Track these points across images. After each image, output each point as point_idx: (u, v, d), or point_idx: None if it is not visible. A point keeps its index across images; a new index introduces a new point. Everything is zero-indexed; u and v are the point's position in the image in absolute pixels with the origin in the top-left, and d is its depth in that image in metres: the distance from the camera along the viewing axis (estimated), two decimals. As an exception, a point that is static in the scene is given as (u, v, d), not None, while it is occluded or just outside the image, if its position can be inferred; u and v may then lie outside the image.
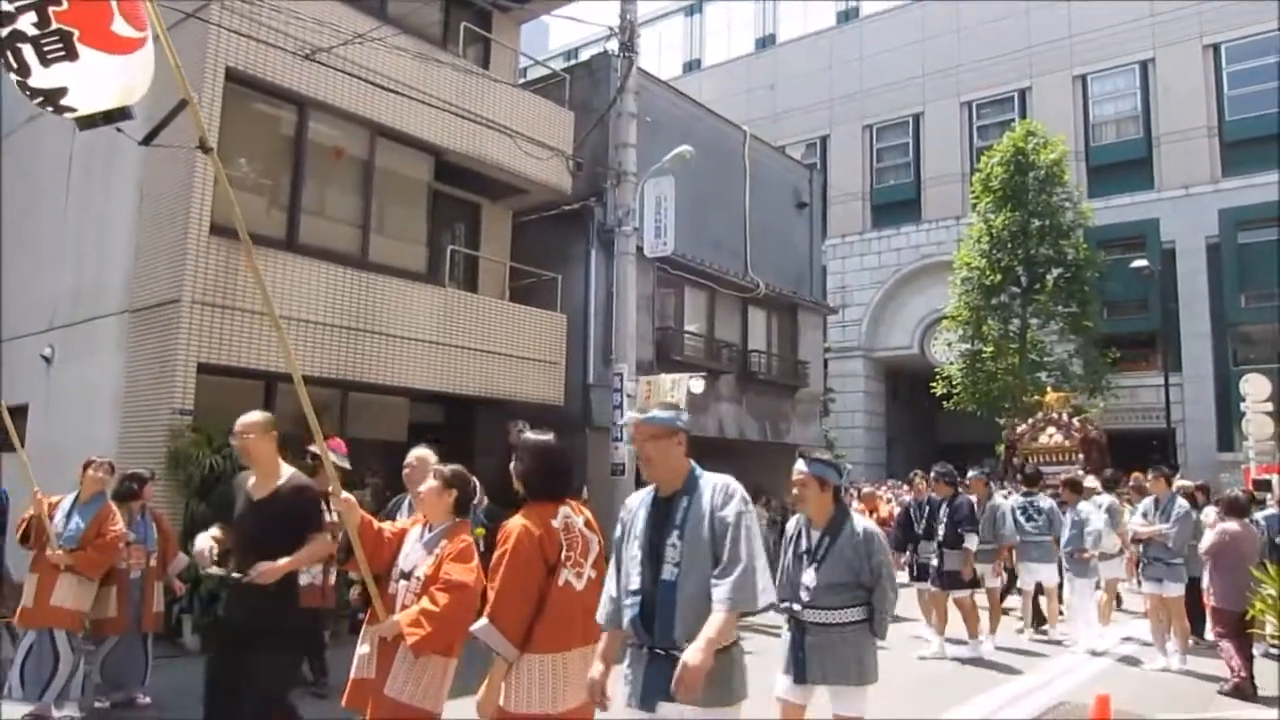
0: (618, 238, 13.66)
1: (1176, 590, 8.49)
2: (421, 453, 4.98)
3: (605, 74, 14.66)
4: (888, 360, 29.87)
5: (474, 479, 4.11)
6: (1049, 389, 18.96)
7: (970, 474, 10.10)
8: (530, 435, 3.78)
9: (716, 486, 3.16)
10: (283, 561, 4.06)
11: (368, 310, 10.86)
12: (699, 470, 3.25)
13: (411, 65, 11.42)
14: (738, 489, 3.15)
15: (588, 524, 3.63)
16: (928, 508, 9.53)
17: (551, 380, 13.21)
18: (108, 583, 6.33)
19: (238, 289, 9.47)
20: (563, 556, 3.44)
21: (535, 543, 3.41)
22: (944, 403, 23.41)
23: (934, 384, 23.58)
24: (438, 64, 11.85)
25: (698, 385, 11.30)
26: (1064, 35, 27.07)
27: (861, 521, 4.22)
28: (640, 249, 13.88)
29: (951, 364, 23.23)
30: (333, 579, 7.15)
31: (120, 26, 3.25)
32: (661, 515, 3.19)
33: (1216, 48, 25.13)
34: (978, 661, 8.70)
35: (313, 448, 7.33)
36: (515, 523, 3.49)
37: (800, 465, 4.27)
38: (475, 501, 4.37)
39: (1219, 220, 23.95)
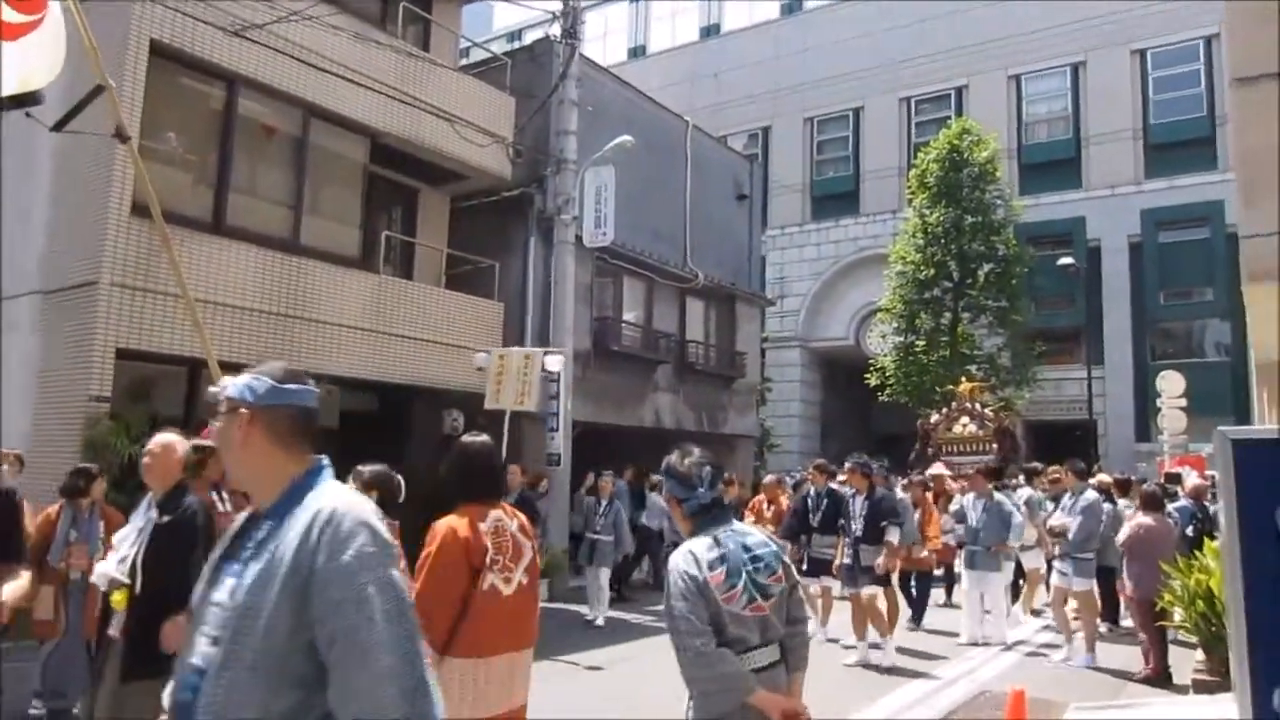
0: (557, 226, 13.60)
1: (1082, 585, 8.67)
2: (166, 440, 4.05)
3: (548, 59, 14.54)
4: (824, 351, 30.21)
5: (397, 477, 4.04)
6: (964, 378, 19.24)
7: (846, 464, 9.54)
8: (465, 437, 3.75)
9: (321, 517, 1.77)
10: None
11: (298, 295, 10.64)
12: (316, 481, 1.91)
13: (348, 45, 11.17)
14: (364, 527, 1.76)
15: (521, 528, 3.62)
16: (825, 500, 9.32)
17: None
18: (45, 583, 6.05)
19: (160, 271, 9.18)
20: (489, 560, 3.41)
21: (461, 545, 3.39)
22: (878, 394, 23.79)
23: (868, 375, 23.94)
24: (376, 44, 11.63)
25: (555, 362, 10.90)
26: (1000, 35, 27.55)
27: (672, 561, 3.03)
28: (579, 238, 13.85)
29: (885, 355, 23.60)
30: None
31: (9, 14, 3.09)
32: (232, 550, 1.91)
33: (1143, 53, 25.83)
34: (899, 654, 8.64)
35: (194, 441, 7.21)
36: (442, 524, 3.47)
37: None
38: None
39: (1141, 220, 24.69)
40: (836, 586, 9.28)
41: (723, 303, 19.12)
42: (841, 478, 9.91)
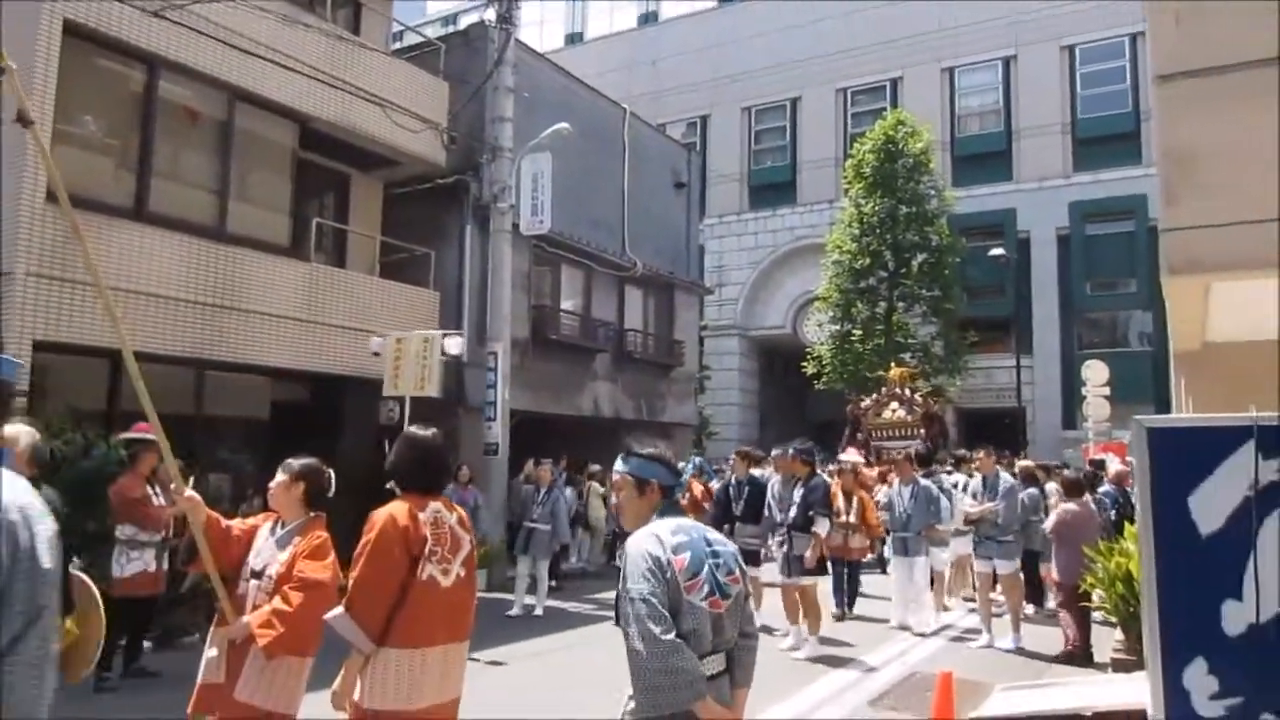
0: (493, 214, 13.46)
1: (1007, 567, 8.82)
2: (12, 431, 3.68)
3: (483, 45, 14.35)
4: (762, 339, 30.48)
5: (328, 471, 3.96)
6: (893, 364, 19.39)
7: (774, 452, 9.30)
8: (413, 429, 3.76)
9: None
10: None
11: (226, 284, 10.37)
12: None
13: (275, 27, 10.88)
14: None
15: (460, 522, 3.65)
16: (748, 488, 9.17)
17: (423, 358, 12.92)
18: None
19: (77, 260, 8.88)
20: (428, 550, 3.42)
21: (400, 534, 3.39)
22: (814, 382, 24.08)
23: (805, 363, 24.22)
24: (304, 27, 11.34)
25: (454, 345, 10.52)
26: (933, 28, 27.99)
27: (633, 541, 2.84)
28: (516, 226, 13.72)
29: (822, 344, 23.90)
30: (165, 566, 6.91)
31: None
32: None
33: (1071, 48, 26.48)
34: (825, 644, 8.47)
35: (127, 435, 7.03)
36: (382, 513, 3.47)
37: (618, 464, 3.08)
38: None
39: (1069, 212, 25.35)
40: (764, 574, 9.15)
41: (661, 291, 19.15)
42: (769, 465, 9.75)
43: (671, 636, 2.58)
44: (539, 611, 10.25)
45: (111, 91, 10.11)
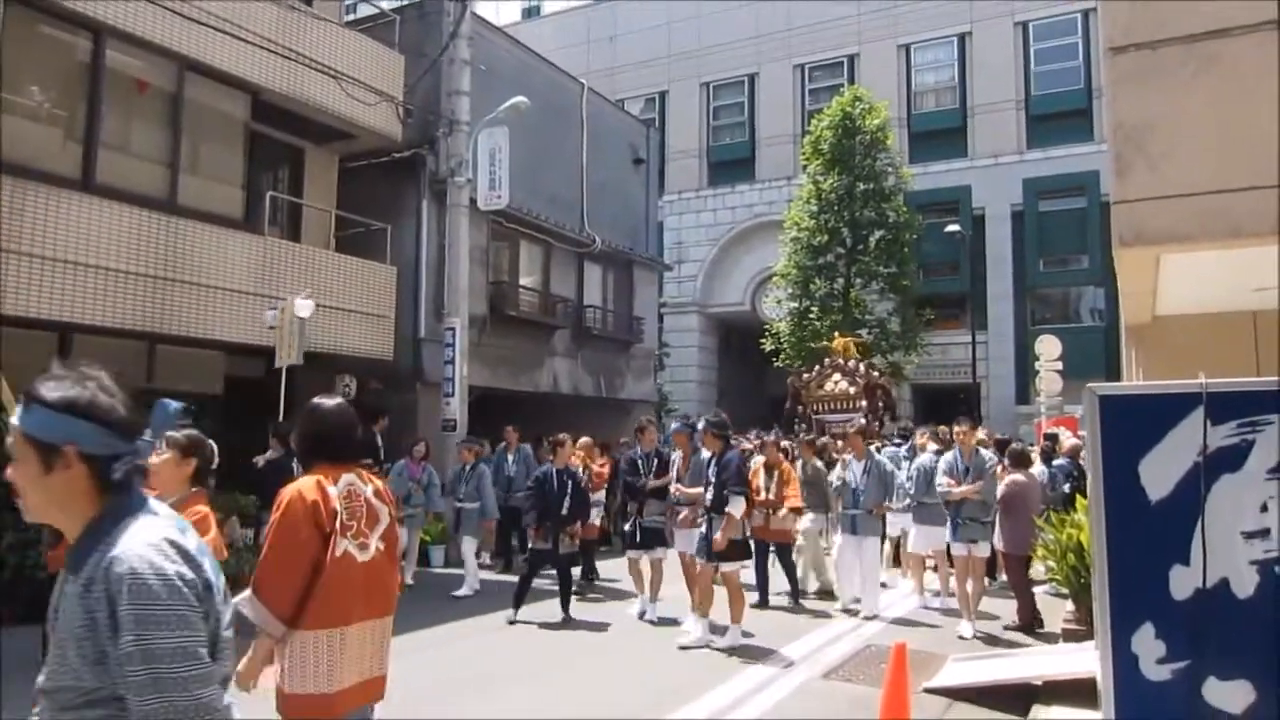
0: (450, 189, 13.31)
1: (984, 550, 8.42)
2: None
3: (438, 17, 14.11)
4: (721, 316, 30.56)
5: (211, 444, 3.84)
6: (837, 334, 19.05)
7: (673, 426, 8.77)
8: (317, 399, 3.52)
9: None
10: None
11: (176, 257, 10.15)
12: None
13: (224, -5, 10.61)
14: None
15: (378, 494, 3.42)
16: (654, 462, 8.65)
17: (380, 334, 12.78)
18: None
19: (22, 231, 8.65)
20: (340, 525, 3.19)
21: (308, 510, 3.16)
22: (772, 358, 24.19)
23: (764, 340, 24.32)
24: (254, -5, 11.06)
25: (303, 308, 9.97)
26: (889, 4, 28.06)
27: (131, 559, 1.63)
28: (474, 201, 13.57)
29: (780, 321, 23.98)
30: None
31: None
32: None
33: (1025, 25, 26.71)
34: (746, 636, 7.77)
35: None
36: (289, 489, 3.24)
37: (19, 417, 1.78)
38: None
39: (1022, 189, 25.66)
40: (669, 557, 8.68)
41: (620, 268, 19.09)
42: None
43: (224, 701, 1.73)
44: (465, 590, 9.81)
45: (58, 60, 9.82)
